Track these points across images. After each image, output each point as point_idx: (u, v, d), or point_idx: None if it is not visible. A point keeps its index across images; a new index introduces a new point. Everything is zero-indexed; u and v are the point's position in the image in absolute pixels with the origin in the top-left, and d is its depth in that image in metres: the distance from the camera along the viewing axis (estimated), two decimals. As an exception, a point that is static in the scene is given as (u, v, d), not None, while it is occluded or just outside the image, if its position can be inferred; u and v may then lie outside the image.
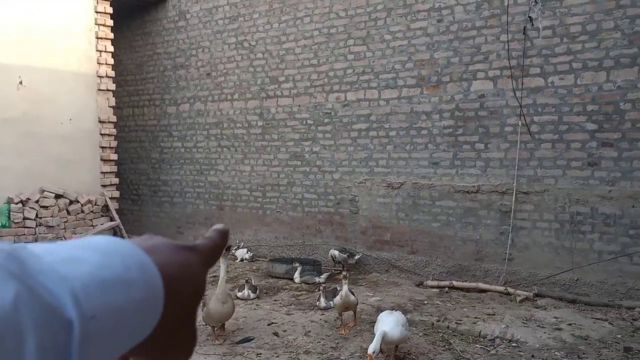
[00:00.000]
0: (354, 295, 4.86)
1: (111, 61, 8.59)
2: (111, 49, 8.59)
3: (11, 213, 7.20)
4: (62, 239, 7.57)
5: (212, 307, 4.57)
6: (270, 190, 8.58)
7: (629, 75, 5.72)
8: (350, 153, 7.68)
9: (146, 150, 10.24)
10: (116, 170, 8.74)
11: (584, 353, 4.41)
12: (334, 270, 7.54)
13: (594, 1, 5.84)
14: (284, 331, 5.11)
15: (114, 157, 8.66)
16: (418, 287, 6.69)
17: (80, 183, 8.13)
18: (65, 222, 7.77)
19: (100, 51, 8.46)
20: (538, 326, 5.07)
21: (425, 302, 5.97)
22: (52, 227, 7.56)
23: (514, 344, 4.67)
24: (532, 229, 6.30)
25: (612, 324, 5.15)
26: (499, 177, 6.52)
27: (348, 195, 7.72)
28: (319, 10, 7.84)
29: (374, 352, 3.73)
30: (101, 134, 8.48)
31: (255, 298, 6.26)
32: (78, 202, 7.95)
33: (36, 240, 7.37)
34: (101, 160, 8.49)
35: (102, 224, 8.15)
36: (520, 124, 6.31)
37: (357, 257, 7.36)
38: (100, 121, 8.47)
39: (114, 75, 8.65)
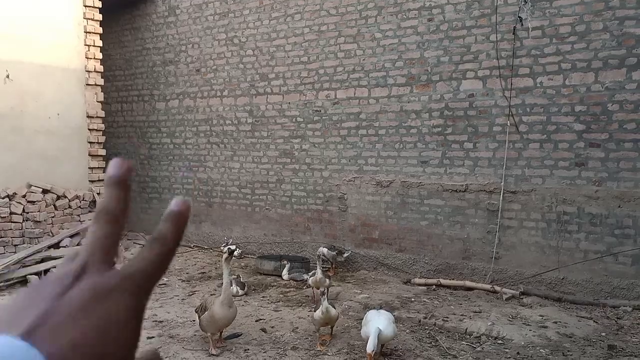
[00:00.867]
0: (334, 309, 4.58)
1: (100, 56, 8.51)
2: (100, 43, 8.50)
3: (-3, 208, 7.12)
4: (49, 235, 7.50)
5: (219, 312, 4.27)
6: (260, 187, 8.56)
7: (617, 76, 5.78)
8: (340, 151, 7.69)
9: (135, 146, 10.17)
10: (104, 165, 8.66)
11: (568, 350, 4.46)
12: (323, 267, 7.54)
13: (583, 2, 5.89)
14: (272, 327, 5.11)
15: (102, 152, 8.58)
16: (406, 284, 6.71)
17: (67, 178, 8.05)
18: (53, 217, 7.69)
19: (89, 45, 8.36)
20: (524, 324, 5.11)
21: (413, 299, 6.00)
22: (39, 222, 7.48)
23: (499, 342, 4.71)
24: (519, 228, 6.35)
25: (596, 322, 5.20)
26: (487, 176, 6.56)
27: (337, 193, 7.73)
28: (309, 7, 7.83)
29: (373, 350, 3.68)
30: (89, 129, 8.39)
31: (243, 294, 6.25)
32: (65, 197, 7.87)
33: (23, 236, 7.30)
34: (89, 155, 8.40)
35: (89, 220, 8.08)
36: (508, 124, 6.36)
37: (346, 254, 7.38)
38: (88, 116, 8.38)
39: (102, 70, 8.57)
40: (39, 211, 7.50)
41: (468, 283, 6.45)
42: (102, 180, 8.57)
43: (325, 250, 7.17)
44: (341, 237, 7.68)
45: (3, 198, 7.18)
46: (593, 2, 5.84)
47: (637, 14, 5.65)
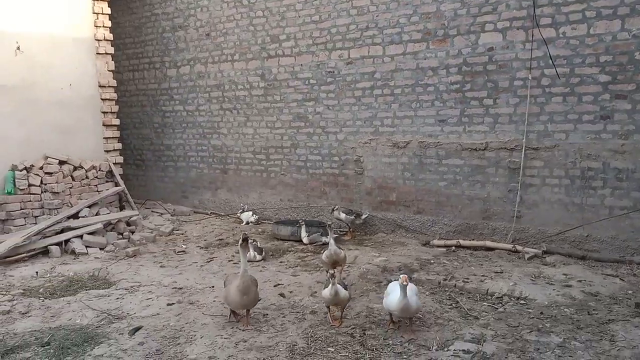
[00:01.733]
0: (346, 288, 4.20)
1: (108, 24, 8.36)
2: (108, 10, 8.34)
3: (16, 180, 7.16)
4: (68, 205, 7.55)
5: (232, 296, 4.15)
6: (274, 152, 8.46)
7: (645, 22, 5.44)
8: (355, 113, 7.51)
9: (148, 115, 10.11)
10: (119, 135, 8.64)
11: (594, 309, 4.35)
12: (340, 232, 7.50)
13: (609, -56, 5.51)
14: (290, 292, 5.09)
15: (116, 122, 8.54)
16: (424, 246, 6.63)
17: (83, 149, 8.06)
18: (70, 188, 7.73)
19: (97, 13, 8.22)
20: (547, 283, 5.01)
21: (432, 261, 5.92)
22: (57, 193, 7.52)
23: (522, 302, 4.62)
24: (541, 185, 6.16)
25: (623, 280, 5.07)
26: (507, 133, 6.34)
27: (353, 156, 7.59)
28: (319, -37, 7.52)
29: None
30: (102, 99, 8.34)
31: (261, 260, 6.24)
32: (82, 168, 7.89)
33: (42, 207, 7.36)
34: (103, 125, 8.38)
35: (107, 190, 8.11)
36: (530, 78, 6.09)
37: (364, 216, 7.28)
38: (100, 86, 8.31)
39: (112, 39, 8.44)
40: (56, 182, 7.54)
41: (489, 243, 6.33)
42: (118, 150, 8.57)
43: (343, 215, 7.11)
44: (358, 201, 7.58)
45: (21, 170, 7.22)
46: (621, -57, 5.46)
47: (670, -46, 5.27)
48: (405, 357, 3.65)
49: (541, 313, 4.31)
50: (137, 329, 4.24)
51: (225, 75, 8.87)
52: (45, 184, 7.44)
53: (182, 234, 7.90)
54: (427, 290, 4.98)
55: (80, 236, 6.96)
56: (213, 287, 5.34)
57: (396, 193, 7.25)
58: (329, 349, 3.80)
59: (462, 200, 6.73)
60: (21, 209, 7.20)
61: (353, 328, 4.12)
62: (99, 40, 8.23)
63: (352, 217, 7.14)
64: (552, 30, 5.93)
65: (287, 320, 4.35)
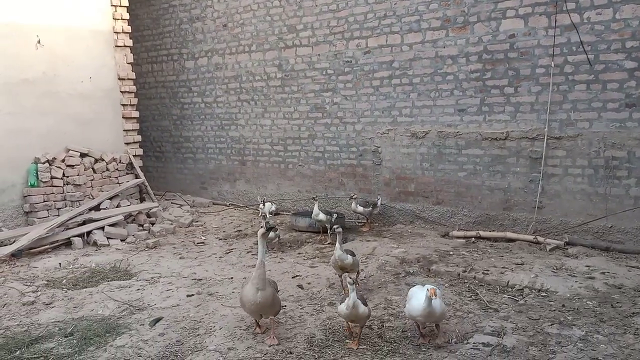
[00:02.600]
0: (365, 305, 3.64)
1: (127, 16, 8.40)
2: (126, 3, 8.38)
3: (39, 173, 7.28)
4: (89, 197, 7.66)
5: (245, 294, 3.71)
6: (292, 143, 8.44)
7: (674, 6, 5.26)
8: (372, 103, 7.44)
9: (167, 107, 10.17)
10: (138, 127, 8.71)
11: (617, 302, 4.26)
12: (358, 222, 7.47)
13: None
14: (309, 284, 5.10)
15: (136, 114, 8.61)
16: (443, 237, 6.57)
17: (103, 141, 8.15)
18: (92, 180, 7.84)
19: (115, 6, 8.26)
20: (569, 275, 4.92)
21: (451, 252, 5.86)
22: (79, 185, 7.63)
23: (543, 294, 4.54)
24: (563, 175, 6.04)
25: (647, 272, 4.95)
26: (529, 122, 6.21)
27: (371, 147, 7.53)
28: (336, -49, 7.42)
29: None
30: (121, 92, 8.41)
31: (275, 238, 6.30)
32: (103, 160, 7.98)
33: (65, 199, 7.48)
34: (123, 118, 8.45)
35: (127, 182, 8.21)
36: (552, 65, 5.94)
37: (379, 202, 7.12)
38: (119, 78, 8.38)
39: (130, 31, 8.48)
40: (78, 175, 7.65)
41: (509, 234, 6.24)
42: (137, 142, 8.65)
43: (360, 208, 7.03)
44: (376, 192, 7.54)
45: (43, 163, 7.34)
46: None
47: None
48: (424, 349, 3.63)
49: (563, 306, 4.24)
50: (158, 319, 4.29)
51: (242, 67, 8.86)
52: (67, 177, 7.55)
53: (201, 226, 7.97)
54: (446, 282, 4.94)
55: (102, 228, 7.07)
56: (232, 278, 5.37)
57: (415, 184, 7.18)
58: (347, 340, 3.79)
59: (482, 191, 6.64)
60: (44, 201, 7.33)
61: (371, 320, 4.10)
62: (117, 32, 8.29)
63: (370, 208, 7.07)
64: (577, 15, 5.77)
65: (305, 312, 4.36)
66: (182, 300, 4.77)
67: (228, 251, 6.50)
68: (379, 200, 7.21)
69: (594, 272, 4.96)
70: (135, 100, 8.59)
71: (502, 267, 5.22)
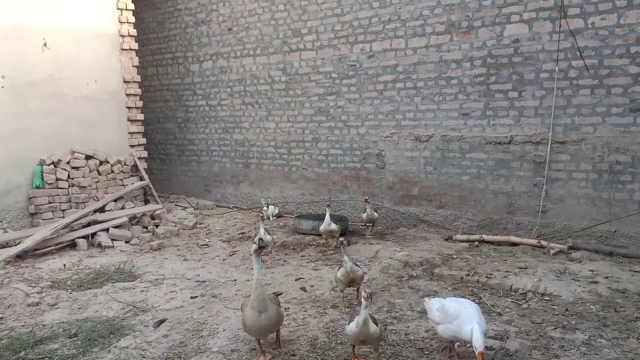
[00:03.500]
0: (376, 324, 3.27)
1: (132, 19, 8.46)
2: (132, 6, 8.44)
3: (44, 174, 7.32)
4: (94, 199, 7.70)
5: (247, 318, 3.47)
6: (296, 146, 8.47)
7: (678, 11, 5.26)
8: (376, 106, 7.46)
9: (171, 110, 10.22)
10: (143, 130, 8.76)
11: (621, 307, 4.25)
12: (361, 226, 7.48)
13: None
14: (312, 286, 5.11)
15: (141, 117, 8.65)
16: (447, 241, 6.57)
17: (108, 144, 8.19)
18: (97, 182, 7.88)
19: (121, 9, 8.33)
20: (572, 279, 4.91)
21: (455, 256, 5.86)
22: (84, 187, 7.68)
23: (546, 298, 4.54)
24: (567, 180, 6.04)
25: (651, 277, 4.94)
26: (533, 126, 6.22)
27: (374, 150, 7.55)
28: (341, -45, 7.46)
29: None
30: (126, 94, 8.46)
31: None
32: (108, 162, 8.03)
33: (70, 201, 7.52)
34: (128, 120, 8.50)
35: (132, 184, 8.24)
36: (556, 70, 5.95)
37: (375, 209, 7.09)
38: (125, 81, 8.43)
39: (136, 34, 8.54)
40: (83, 177, 7.69)
41: (513, 238, 6.24)
42: (142, 144, 8.69)
43: (363, 215, 6.98)
44: (379, 195, 7.55)
45: (49, 165, 7.38)
46: None
47: None
48: (427, 352, 3.63)
49: (566, 310, 4.24)
50: (162, 321, 4.31)
51: (247, 70, 8.90)
52: (72, 178, 7.59)
53: (205, 228, 7.99)
54: (449, 286, 4.94)
55: (107, 229, 7.10)
56: (235, 280, 5.39)
57: (418, 187, 7.19)
58: (349, 343, 3.80)
59: (485, 195, 6.64)
60: (49, 203, 7.37)
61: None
62: (123, 35, 8.34)
63: (377, 215, 7.00)
64: (581, 20, 5.79)
65: (308, 315, 4.37)
66: (186, 302, 4.78)
67: (231, 253, 6.52)
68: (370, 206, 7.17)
69: (597, 276, 4.95)
70: (140, 103, 8.64)
71: (506, 271, 5.22)
